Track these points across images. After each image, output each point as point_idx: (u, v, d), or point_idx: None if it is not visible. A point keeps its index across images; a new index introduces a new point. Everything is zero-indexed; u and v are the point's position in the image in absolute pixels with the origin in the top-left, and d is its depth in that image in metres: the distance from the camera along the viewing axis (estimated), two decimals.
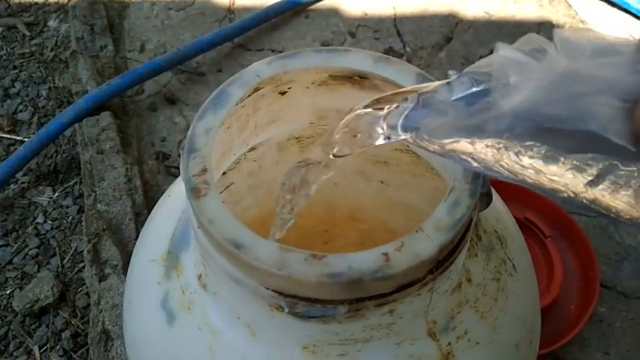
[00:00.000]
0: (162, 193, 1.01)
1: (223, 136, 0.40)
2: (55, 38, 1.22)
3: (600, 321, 0.91)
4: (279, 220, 0.49)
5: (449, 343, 0.37)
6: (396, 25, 1.28)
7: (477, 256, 0.40)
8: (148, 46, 1.20)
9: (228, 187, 0.58)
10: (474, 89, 0.30)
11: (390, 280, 0.31)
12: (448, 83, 0.32)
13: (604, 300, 0.92)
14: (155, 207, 0.49)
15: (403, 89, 0.37)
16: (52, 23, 1.26)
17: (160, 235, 0.44)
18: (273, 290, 0.32)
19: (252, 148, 0.54)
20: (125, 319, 0.44)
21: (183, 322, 0.39)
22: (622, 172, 0.28)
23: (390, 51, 1.24)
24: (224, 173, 0.55)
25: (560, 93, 0.26)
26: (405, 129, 0.33)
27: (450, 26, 1.27)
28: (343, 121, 0.38)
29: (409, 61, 1.21)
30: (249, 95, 0.40)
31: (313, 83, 0.42)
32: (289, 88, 0.42)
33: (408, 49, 1.23)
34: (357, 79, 0.42)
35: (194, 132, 0.36)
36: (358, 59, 0.40)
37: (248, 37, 1.21)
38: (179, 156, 1.04)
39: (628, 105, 0.25)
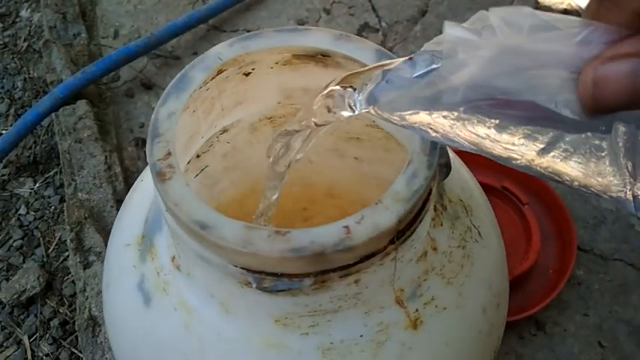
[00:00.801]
0: None
1: (189, 119, 0.41)
2: (28, 28, 1.21)
3: (579, 284, 0.93)
4: (263, 205, 0.50)
5: (416, 310, 0.38)
6: (371, 0, 1.27)
7: (442, 225, 0.41)
8: (121, 32, 1.19)
9: (203, 169, 0.59)
10: (434, 65, 0.31)
11: (351, 252, 0.32)
12: (410, 59, 0.32)
13: (582, 263, 0.94)
14: (129, 192, 0.49)
15: (370, 66, 0.37)
16: (24, 13, 1.25)
17: (134, 220, 0.45)
18: (240, 267, 0.33)
19: (225, 130, 0.55)
20: (104, 303, 0.45)
21: (159, 303, 0.40)
22: (569, 140, 0.29)
23: (365, 27, 1.25)
24: (198, 156, 0.56)
25: (506, 67, 0.27)
26: (368, 102, 0.34)
27: None
28: (318, 96, 0.39)
29: (385, 35, 1.22)
30: (213, 78, 0.40)
31: (277, 63, 0.43)
32: (253, 69, 0.43)
33: (383, 24, 1.23)
34: (320, 57, 0.43)
35: (157, 117, 0.37)
36: (318, 38, 0.41)
37: (222, 18, 1.21)
38: None
39: (574, 76, 0.26)
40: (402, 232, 0.34)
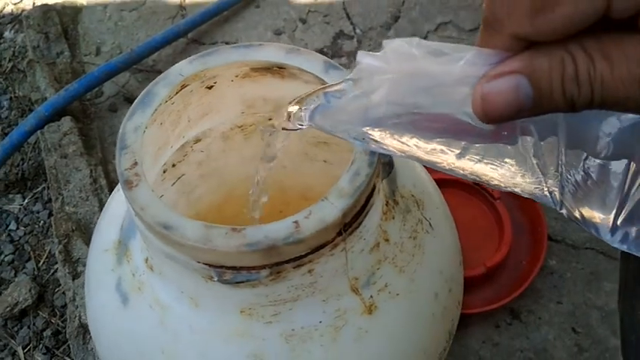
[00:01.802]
0: None
1: (157, 132, 0.44)
2: (13, 49, 1.24)
3: (552, 273, 0.97)
4: (252, 202, 0.53)
5: (371, 296, 0.42)
6: (345, 8, 1.31)
7: (394, 218, 0.44)
8: (103, 49, 1.23)
9: (179, 178, 0.62)
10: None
11: (301, 244, 0.35)
12: (350, 80, 0.36)
13: (554, 253, 0.98)
14: (107, 202, 0.53)
15: (316, 89, 0.41)
16: (7, 34, 1.28)
17: (111, 227, 0.48)
18: (203, 263, 0.36)
19: (198, 140, 0.59)
20: (87, 305, 0.49)
21: (135, 302, 0.43)
22: (479, 146, 0.33)
23: (340, 34, 1.28)
24: (174, 165, 0.59)
25: (412, 87, 0.31)
26: (309, 119, 0.37)
27: (397, 5, 1.32)
28: (282, 110, 0.43)
29: (359, 42, 1.26)
30: (177, 92, 0.44)
31: (237, 76, 0.47)
32: (215, 82, 0.46)
33: (357, 31, 1.27)
34: (276, 69, 0.46)
35: (124, 131, 0.40)
36: (272, 52, 0.44)
37: (201, 31, 1.24)
38: None
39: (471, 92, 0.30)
40: (349, 224, 0.37)
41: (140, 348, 0.43)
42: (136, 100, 0.42)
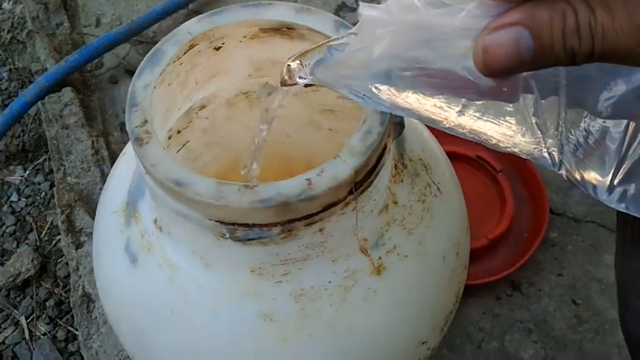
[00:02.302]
0: None
1: (165, 92, 0.44)
2: (11, 20, 1.23)
3: (553, 246, 0.97)
4: (248, 166, 0.53)
5: (380, 257, 0.42)
6: None
7: (402, 181, 0.44)
8: (103, 20, 1.21)
9: (184, 144, 0.62)
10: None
11: (314, 201, 0.35)
12: (354, 34, 0.36)
13: (555, 226, 0.99)
14: (114, 165, 0.53)
15: (320, 43, 0.41)
16: (6, 5, 1.26)
17: (119, 189, 0.48)
18: (215, 220, 0.36)
19: (203, 106, 0.58)
20: (95, 268, 0.49)
21: (144, 262, 0.43)
22: (480, 103, 0.33)
23: (343, 6, 1.27)
24: (179, 132, 0.59)
25: (414, 40, 0.31)
26: (312, 74, 0.37)
27: None
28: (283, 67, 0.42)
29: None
30: (185, 52, 0.43)
31: (245, 37, 0.46)
32: (223, 43, 0.46)
33: (359, 3, 1.26)
34: (285, 30, 0.46)
35: (134, 89, 0.40)
36: (281, 11, 0.44)
37: (202, 3, 1.23)
38: None
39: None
40: (360, 183, 0.37)
41: (149, 307, 0.43)
42: (145, 58, 0.41)
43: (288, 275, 0.40)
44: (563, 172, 0.34)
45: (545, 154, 0.34)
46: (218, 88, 0.51)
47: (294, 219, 0.36)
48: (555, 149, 0.34)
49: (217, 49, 0.46)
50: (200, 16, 0.44)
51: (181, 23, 1.26)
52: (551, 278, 0.94)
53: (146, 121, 0.38)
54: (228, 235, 0.36)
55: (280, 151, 0.74)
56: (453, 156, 0.96)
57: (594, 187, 0.34)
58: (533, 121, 0.33)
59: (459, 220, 0.48)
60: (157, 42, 1.25)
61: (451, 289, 0.47)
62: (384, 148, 0.39)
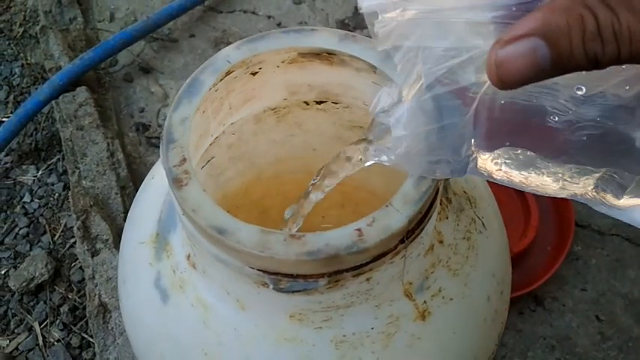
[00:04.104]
0: (146, 165, 1.02)
1: (199, 120, 0.42)
2: (23, 13, 1.20)
3: (576, 259, 0.95)
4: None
5: (424, 302, 0.40)
6: None
7: (447, 218, 0.42)
8: (117, 15, 1.19)
9: (209, 161, 0.60)
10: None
11: (364, 253, 0.33)
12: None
13: (579, 239, 0.96)
14: (140, 188, 0.50)
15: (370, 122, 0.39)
16: None
17: (147, 218, 0.46)
18: (257, 269, 0.34)
19: (231, 122, 0.56)
20: (122, 300, 0.47)
21: (176, 300, 0.41)
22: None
23: (342, 24, 1.24)
24: (205, 150, 0.56)
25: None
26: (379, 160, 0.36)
27: None
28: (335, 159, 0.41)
29: None
30: (222, 79, 0.41)
31: (283, 62, 0.44)
32: (260, 68, 0.43)
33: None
34: (326, 55, 0.43)
35: (170, 122, 0.38)
36: (324, 38, 0.41)
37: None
38: (159, 126, 1.05)
39: None
40: (412, 231, 0.35)
41: (181, 348, 0.41)
42: (181, 89, 0.39)
43: (330, 321, 0.38)
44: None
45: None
46: (251, 111, 0.49)
47: (342, 270, 0.34)
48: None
49: (254, 74, 0.43)
50: (239, 42, 0.41)
51: (198, 19, 1.23)
52: (574, 293, 0.92)
53: (184, 160, 0.36)
54: (271, 286, 0.34)
55: (305, 164, 0.72)
56: None
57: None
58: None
59: (502, 256, 0.46)
60: (172, 39, 1.22)
61: (494, 329, 0.45)
62: (437, 192, 0.36)
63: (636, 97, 0.28)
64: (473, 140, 0.32)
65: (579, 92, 0.29)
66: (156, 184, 0.48)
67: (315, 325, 0.38)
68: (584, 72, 0.26)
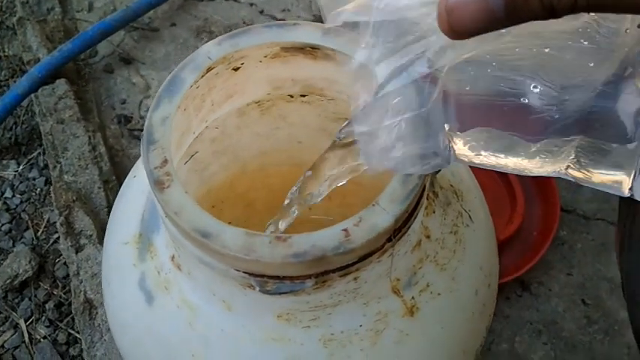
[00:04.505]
0: (129, 158, 1.01)
1: (180, 118, 0.41)
2: (0, 4, 1.17)
3: (562, 244, 0.95)
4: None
5: (412, 297, 0.40)
6: None
7: (434, 212, 0.42)
8: (96, 5, 1.16)
9: (192, 155, 0.59)
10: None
11: (351, 254, 0.33)
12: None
13: (565, 223, 0.97)
14: (122, 188, 0.50)
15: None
16: None
17: (130, 218, 0.45)
18: (243, 272, 0.34)
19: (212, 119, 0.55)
20: (106, 300, 0.46)
21: (161, 301, 0.41)
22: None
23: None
24: (189, 145, 0.56)
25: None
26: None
27: None
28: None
29: None
30: (203, 76, 0.40)
31: (266, 57, 0.43)
32: (242, 63, 0.43)
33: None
34: (309, 49, 0.43)
35: (151, 122, 0.37)
36: (307, 33, 0.40)
37: None
38: (141, 118, 1.03)
39: None
40: (399, 229, 0.34)
41: (167, 350, 0.41)
42: (160, 88, 0.38)
43: (317, 320, 0.38)
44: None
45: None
46: (234, 107, 0.48)
47: (329, 271, 0.33)
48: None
49: (236, 69, 0.43)
50: (220, 38, 0.40)
51: (178, 8, 1.21)
52: (560, 277, 0.93)
53: (166, 161, 0.35)
54: (258, 289, 0.33)
55: (291, 157, 0.71)
56: None
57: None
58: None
59: (490, 249, 0.46)
60: (153, 28, 1.20)
61: (482, 322, 0.45)
62: (423, 189, 0.36)
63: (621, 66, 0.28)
64: (446, 126, 0.32)
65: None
66: (138, 183, 0.47)
67: (303, 324, 0.38)
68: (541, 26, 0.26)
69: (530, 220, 0.94)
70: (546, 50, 0.29)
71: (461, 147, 0.32)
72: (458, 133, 0.31)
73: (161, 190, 0.34)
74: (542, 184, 0.96)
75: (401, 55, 0.30)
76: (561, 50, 0.29)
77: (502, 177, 0.97)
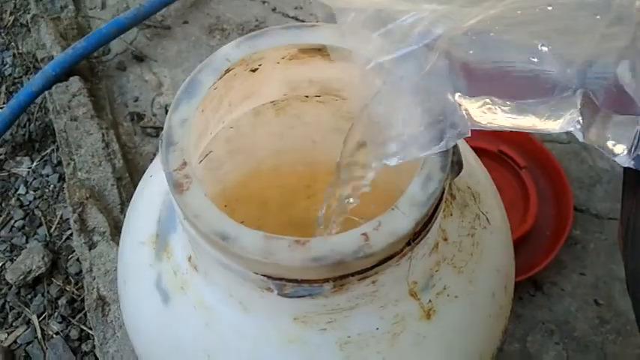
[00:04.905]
0: (141, 155, 1.01)
1: (198, 119, 0.41)
2: (14, 1, 1.18)
3: (575, 244, 0.95)
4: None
5: (429, 300, 0.40)
6: None
7: (452, 215, 0.42)
8: (109, 3, 1.16)
9: (207, 155, 0.59)
10: None
11: (370, 258, 0.33)
12: None
13: (578, 223, 0.96)
14: (138, 187, 0.50)
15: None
16: None
17: (146, 218, 0.45)
18: (261, 275, 0.34)
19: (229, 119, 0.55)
20: (122, 300, 0.46)
21: (178, 302, 0.41)
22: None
23: None
24: None
25: None
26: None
27: None
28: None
29: None
30: (221, 78, 0.40)
31: (283, 58, 0.43)
32: (260, 65, 0.42)
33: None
34: (327, 51, 0.42)
35: (170, 124, 0.37)
36: (326, 34, 0.40)
37: None
38: (154, 115, 1.03)
39: None
40: (418, 233, 0.34)
41: (183, 350, 0.41)
42: (179, 90, 0.38)
43: (334, 323, 0.38)
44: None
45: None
46: (251, 107, 0.48)
47: (347, 274, 0.33)
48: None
49: (253, 70, 0.43)
50: (239, 40, 0.40)
51: (191, 6, 1.21)
52: (573, 277, 0.92)
53: (185, 164, 0.35)
54: (276, 292, 0.33)
55: (305, 156, 0.71)
56: (474, 151, 0.94)
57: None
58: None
59: (507, 251, 0.46)
60: (165, 26, 1.20)
61: (499, 325, 0.44)
62: (443, 192, 0.36)
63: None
64: (457, 95, 0.32)
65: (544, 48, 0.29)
66: (154, 183, 0.47)
67: (320, 326, 0.38)
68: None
69: (544, 219, 0.94)
70: (549, 8, 0.29)
71: (475, 111, 0.32)
72: (470, 98, 0.32)
73: (180, 192, 0.34)
74: (556, 183, 0.96)
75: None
76: (564, 6, 0.29)
77: (515, 177, 0.96)
